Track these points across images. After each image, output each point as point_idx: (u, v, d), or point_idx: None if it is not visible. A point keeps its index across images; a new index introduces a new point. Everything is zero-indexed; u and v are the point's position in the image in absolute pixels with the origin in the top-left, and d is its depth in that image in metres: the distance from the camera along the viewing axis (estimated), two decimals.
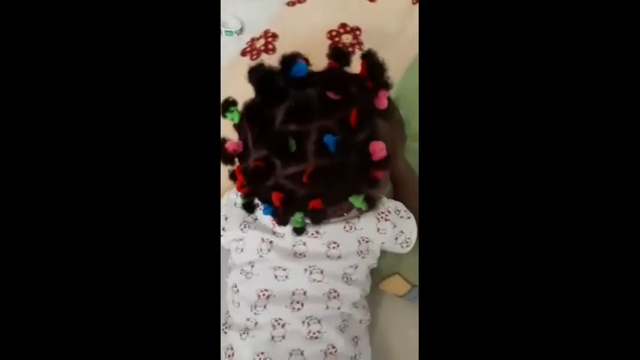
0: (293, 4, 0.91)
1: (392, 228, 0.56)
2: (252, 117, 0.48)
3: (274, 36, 0.83)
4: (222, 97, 0.51)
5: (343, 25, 0.85)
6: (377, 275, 0.62)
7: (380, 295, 0.64)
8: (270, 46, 0.82)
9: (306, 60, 0.49)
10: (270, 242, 0.55)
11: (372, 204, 0.50)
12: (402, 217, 0.58)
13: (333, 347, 0.52)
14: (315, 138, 0.45)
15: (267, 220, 0.55)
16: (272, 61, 0.51)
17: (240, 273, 0.56)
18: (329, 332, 0.52)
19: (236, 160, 0.50)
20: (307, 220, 0.50)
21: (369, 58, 0.50)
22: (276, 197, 0.47)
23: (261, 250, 0.55)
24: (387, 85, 0.50)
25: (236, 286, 0.57)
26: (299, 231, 0.51)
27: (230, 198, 0.60)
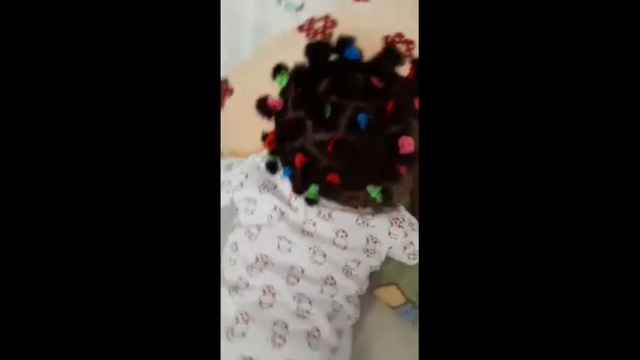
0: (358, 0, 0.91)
1: (403, 236, 0.57)
2: (299, 78, 0.51)
3: (334, 23, 0.83)
4: (269, 66, 0.54)
5: (399, 35, 0.86)
6: (376, 280, 0.62)
7: (373, 300, 0.65)
8: (327, 32, 0.82)
9: (360, 51, 0.52)
10: (282, 212, 0.55)
11: (388, 197, 0.51)
12: (414, 229, 0.59)
13: (318, 331, 0.52)
14: (350, 114, 0.47)
15: (285, 189, 0.55)
16: None
17: (245, 233, 0.56)
18: (317, 315, 0.53)
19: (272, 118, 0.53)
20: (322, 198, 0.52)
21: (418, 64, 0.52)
22: (299, 159, 0.48)
23: (271, 217, 0.55)
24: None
25: (236, 245, 0.56)
26: (311, 202, 0.51)
27: (255, 160, 0.60)
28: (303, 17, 0.89)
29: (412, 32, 0.87)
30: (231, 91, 0.79)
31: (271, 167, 0.54)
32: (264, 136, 0.54)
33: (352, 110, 0.47)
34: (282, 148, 0.51)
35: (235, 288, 0.54)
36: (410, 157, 0.48)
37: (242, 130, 0.64)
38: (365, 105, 0.48)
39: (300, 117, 0.49)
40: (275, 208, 0.55)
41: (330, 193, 0.51)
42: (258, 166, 0.59)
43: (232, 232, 0.58)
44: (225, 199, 0.61)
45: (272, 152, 0.53)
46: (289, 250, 0.54)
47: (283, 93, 0.53)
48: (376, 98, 0.48)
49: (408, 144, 0.48)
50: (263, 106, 0.52)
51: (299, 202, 0.54)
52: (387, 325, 0.64)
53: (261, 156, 0.59)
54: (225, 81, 0.80)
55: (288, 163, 0.50)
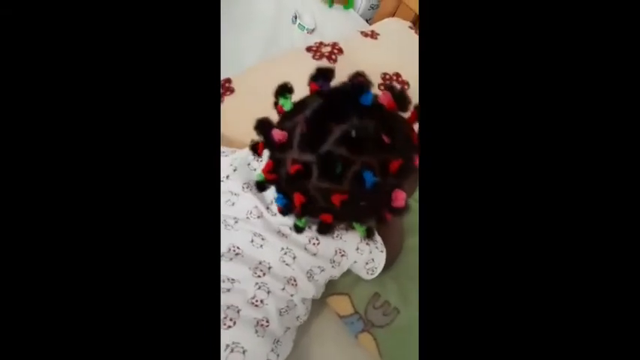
0: (366, 35, 0.99)
1: (368, 252, 0.61)
2: (315, 123, 0.49)
3: (340, 50, 0.90)
4: (275, 82, 0.53)
5: (397, 75, 0.93)
6: (331, 288, 0.65)
7: (323, 306, 0.67)
8: (333, 57, 0.88)
9: (375, 96, 0.51)
10: (261, 213, 0.58)
11: (370, 235, 0.55)
12: (377, 247, 0.62)
13: (267, 321, 0.54)
14: (357, 169, 0.47)
15: (268, 194, 0.58)
16: None
17: (223, 223, 0.58)
18: (270, 307, 0.54)
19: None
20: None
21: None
22: (298, 199, 0.48)
23: (250, 213, 0.58)
24: None
25: None
26: (299, 229, 0.53)
27: (245, 157, 0.62)
28: (312, 39, 0.95)
29: (410, 74, 0.95)
30: (232, 91, 0.83)
31: (261, 187, 0.53)
32: (253, 147, 0.54)
33: (359, 165, 0.47)
34: (282, 184, 0.51)
35: None
36: (400, 210, 0.49)
37: (237, 123, 0.67)
38: (372, 161, 0.47)
39: (308, 162, 0.47)
40: (256, 207, 0.58)
41: (324, 229, 0.51)
42: (249, 164, 0.61)
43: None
44: None
45: (268, 182, 0.52)
46: (261, 246, 0.56)
47: (284, 116, 0.52)
48: (383, 154, 0.48)
49: (401, 199, 0.49)
50: (265, 134, 0.50)
51: (277, 213, 0.56)
52: (329, 333, 0.66)
53: (251, 153, 0.58)
54: (228, 80, 0.84)
55: (286, 196, 0.50)
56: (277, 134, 0.49)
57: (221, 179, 0.61)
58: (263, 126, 0.50)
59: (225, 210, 0.60)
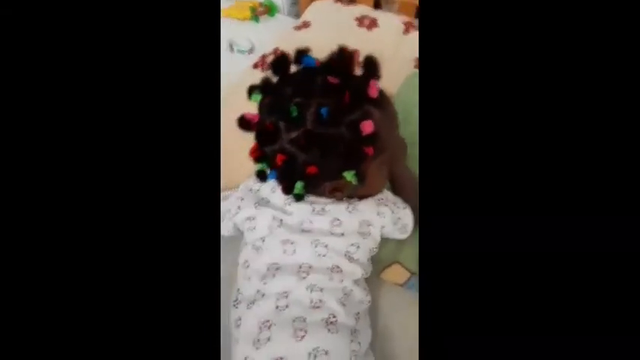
0: (300, 28, 1.00)
1: (390, 213, 0.62)
2: (267, 89, 0.56)
3: (282, 52, 0.91)
4: (239, 113, 0.58)
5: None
6: (378, 264, 0.66)
7: (381, 284, 0.68)
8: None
9: (316, 59, 0.57)
10: (280, 220, 0.60)
11: (362, 179, 0.56)
12: (398, 207, 0.63)
13: (334, 316, 0.55)
14: (314, 109, 0.52)
15: (277, 200, 0.61)
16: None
17: (252, 249, 0.60)
18: (330, 302, 0.56)
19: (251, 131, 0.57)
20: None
21: (367, 57, 0.57)
22: (279, 159, 0.53)
23: (271, 226, 0.60)
24: (377, 77, 0.57)
25: (247, 262, 0.61)
26: (298, 197, 0.56)
27: (247, 185, 0.66)
28: (256, 57, 0.97)
29: (353, 44, 0.95)
30: None
31: (261, 175, 0.58)
32: (260, 172, 0.59)
33: (315, 106, 0.52)
34: (265, 154, 0.57)
35: (253, 301, 0.57)
36: (371, 137, 0.53)
37: (230, 159, 0.70)
38: (325, 100, 0.53)
39: (274, 121, 0.54)
40: (273, 217, 0.60)
41: (314, 185, 0.56)
42: (251, 189, 0.65)
43: (241, 253, 0.63)
44: (228, 227, 0.66)
45: (257, 160, 0.58)
46: (294, 251, 0.58)
47: (259, 108, 0.59)
48: (333, 93, 0.53)
49: (368, 126, 0.53)
50: (242, 122, 0.57)
51: (292, 207, 0.59)
52: (399, 303, 0.67)
53: (252, 179, 0.64)
54: None
55: (272, 165, 0.56)
56: (249, 115, 0.56)
57: (235, 213, 0.64)
58: (240, 118, 0.57)
59: (250, 237, 0.62)
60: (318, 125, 0.52)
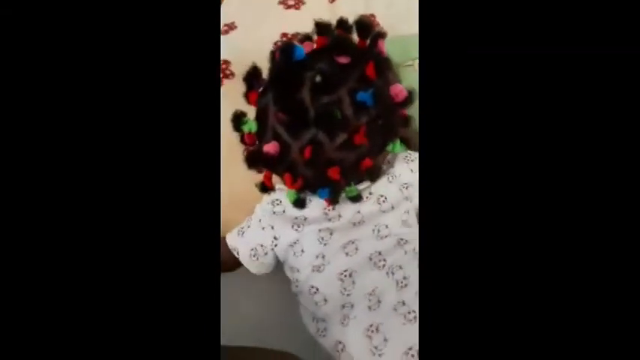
0: (226, 32, 0.94)
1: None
2: (284, 105, 0.49)
3: (226, 62, 0.85)
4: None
5: (284, 34, 0.90)
6: None
7: None
8: (227, 72, 0.84)
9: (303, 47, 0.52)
10: (328, 229, 0.55)
11: (408, 144, 0.53)
12: (414, 158, 0.61)
13: None
14: (349, 100, 0.47)
15: (315, 212, 0.56)
16: (235, 84, 0.55)
17: (313, 271, 0.55)
18: (413, 273, 0.53)
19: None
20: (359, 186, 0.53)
21: (358, 20, 0.54)
22: (333, 172, 0.48)
23: (322, 239, 0.55)
24: (381, 34, 0.54)
25: (313, 287, 0.55)
26: (356, 198, 0.52)
27: (265, 209, 0.59)
28: None
29: (286, 27, 0.91)
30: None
31: (300, 203, 0.53)
32: (263, 185, 0.53)
33: (347, 96, 0.48)
34: (307, 178, 0.50)
35: (344, 317, 0.52)
36: (408, 99, 0.50)
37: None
38: (351, 84, 0.48)
39: (313, 137, 0.48)
40: (320, 231, 0.55)
41: (373, 174, 0.53)
42: (274, 212, 0.58)
43: (298, 284, 0.56)
44: (267, 262, 0.59)
45: (299, 187, 0.52)
46: (356, 249, 0.54)
47: (258, 136, 0.52)
48: (353, 70, 0.49)
49: (400, 90, 0.50)
50: (259, 158, 0.51)
51: (335, 210, 0.55)
52: None
53: (267, 201, 0.58)
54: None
55: (322, 183, 0.50)
56: (268, 147, 0.50)
57: (273, 246, 0.58)
58: (253, 154, 0.51)
59: (301, 263, 0.56)
60: (362, 115, 0.48)
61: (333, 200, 0.53)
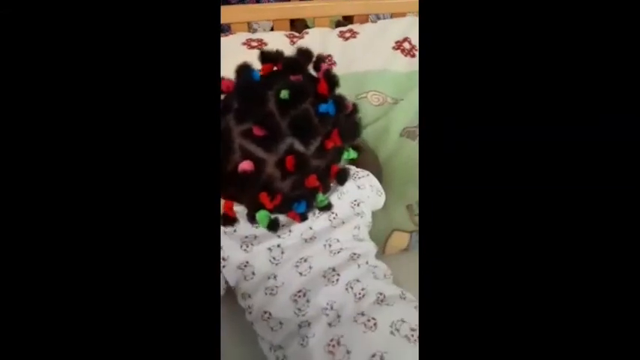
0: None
1: (367, 183, 0.62)
2: (254, 120, 0.48)
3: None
4: None
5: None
6: (378, 244, 0.63)
7: (390, 261, 0.64)
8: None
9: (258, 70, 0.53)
10: (279, 246, 0.55)
11: (359, 151, 0.56)
12: (362, 176, 0.63)
13: (380, 294, 0.53)
14: (314, 112, 0.49)
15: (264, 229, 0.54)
16: None
17: (266, 294, 0.53)
18: (369, 284, 0.53)
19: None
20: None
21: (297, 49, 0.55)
22: (311, 181, 0.49)
23: (274, 259, 0.54)
24: (322, 58, 0.55)
25: (267, 312, 0.53)
26: (327, 207, 0.54)
27: (240, 233, 0.57)
28: None
29: None
30: None
31: (274, 226, 0.51)
32: (226, 218, 0.52)
33: (312, 108, 0.49)
34: (285, 193, 0.50)
35: (304, 338, 0.50)
36: (355, 108, 0.53)
37: None
38: (309, 98, 0.49)
39: (291, 146, 0.48)
40: (270, 249, 0.54)
41: (344, 176, 0.54)
42: (224, 232, 0.56)
43: (252, 312, 0.54)
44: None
45: (276, 209, 0.50)
46: (310, 267, 0.54)
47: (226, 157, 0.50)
48: (309, 86, 0.50)
49: (349, 103, 0.52)
50: (233, 180, 0.48)
51: (286, 225, 0.55)
52: (414, 268, 0.67)
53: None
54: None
55: (300, 194, 0.50)
56: (243, 166, 0.47)
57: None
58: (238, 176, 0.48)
59: (251, 286, 0.55)
60: (326, 123, 0.50)
61: (304, 216, 0.52)
